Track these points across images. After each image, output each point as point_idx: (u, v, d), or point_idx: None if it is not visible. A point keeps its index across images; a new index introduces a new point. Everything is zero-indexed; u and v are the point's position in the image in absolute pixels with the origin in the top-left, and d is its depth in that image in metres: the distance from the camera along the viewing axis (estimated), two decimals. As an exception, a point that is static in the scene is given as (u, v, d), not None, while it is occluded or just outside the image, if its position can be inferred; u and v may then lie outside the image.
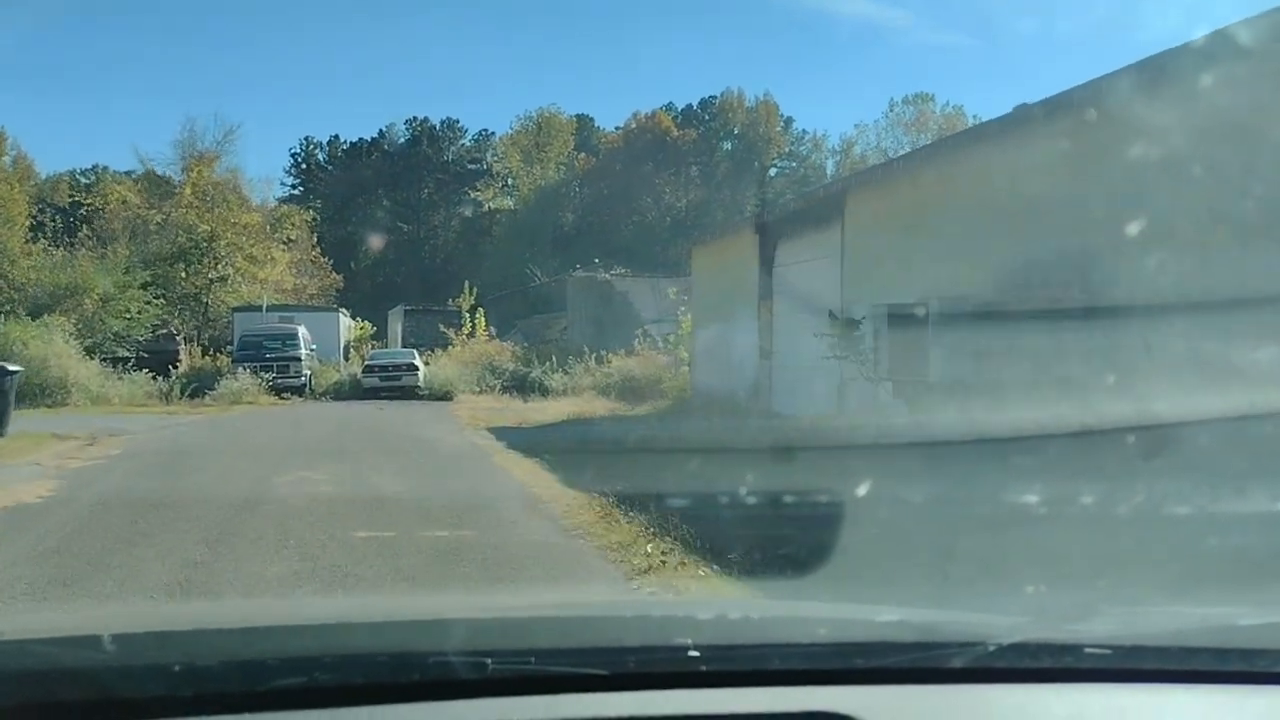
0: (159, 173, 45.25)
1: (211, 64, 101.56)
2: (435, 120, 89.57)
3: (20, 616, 5.75)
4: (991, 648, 1.88)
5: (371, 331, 47.30)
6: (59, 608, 6.84)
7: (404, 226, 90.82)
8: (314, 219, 63.45)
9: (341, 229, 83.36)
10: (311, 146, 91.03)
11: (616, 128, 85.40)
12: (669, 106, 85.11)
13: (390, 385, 34.14)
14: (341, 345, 41.89)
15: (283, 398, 31.89)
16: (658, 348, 34.88)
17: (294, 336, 34.56)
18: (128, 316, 34.37)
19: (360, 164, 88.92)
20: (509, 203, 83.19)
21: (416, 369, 34.57)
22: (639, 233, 77.34)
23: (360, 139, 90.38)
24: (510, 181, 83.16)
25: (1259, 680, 1.93)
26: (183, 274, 40.53)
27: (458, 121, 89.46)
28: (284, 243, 48.74)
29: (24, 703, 1.70)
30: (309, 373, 34.15)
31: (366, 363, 35.79)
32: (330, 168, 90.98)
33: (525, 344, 39.39)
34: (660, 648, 1.96)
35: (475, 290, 52.84)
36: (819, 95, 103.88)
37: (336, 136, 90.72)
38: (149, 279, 36.36)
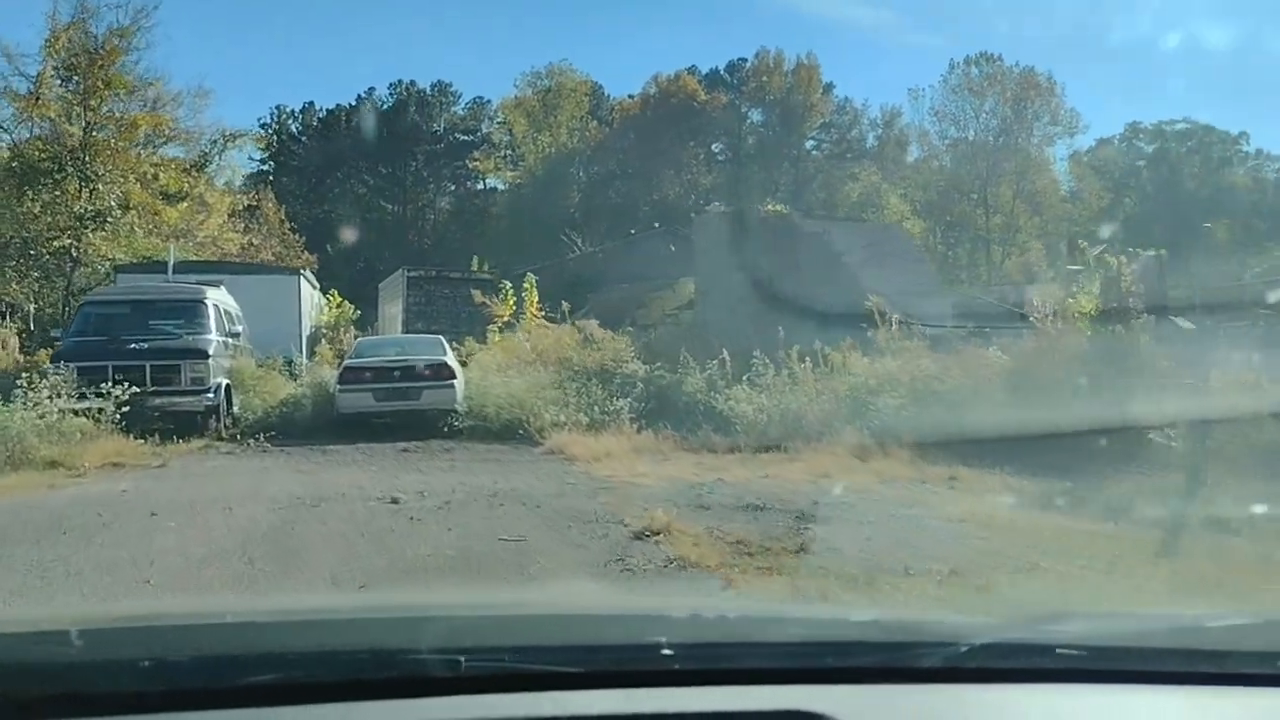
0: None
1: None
2: (424, 84, 69.71)
3: None
4: (964, 648, 1.69)
5: (353, 316, 27.39)
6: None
7: (388, 206, 71.50)
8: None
9: (317, 208, 64.08)
10: (283, 116, 70.72)
11: (631, 95, 66.22)
12: (693, 69, 66.06)
13: (396, 409, 14.79)
14: (304, 332, 22.35)
15: (162, 442, 12.65)
16: (923, 337, 15.96)
17: (194, 310, 14.94)
18: None
19: (338, 135, 69.02)
20: (513, 174, 63.60)
21: (449, 373, 15.32)
22: (657, 210, 58.48)
23: (338, 105, 70.34)
24: (516, 151, 63.43)
25: (1228, 682, 1.74)
26: (31, 206, 20.61)
27: (450, 85, 69.52)
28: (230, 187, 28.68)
29: None
30: (220, 383, 14.44)
31: (347, 362, 15.75)
32: (304, 139, 71.01)
33: (611, 329, 20.02)
34: (635, 646, 1.74)
35: (487, 265, 33.63)
36: (861, 58, 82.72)
37: (311, 104, 70.41)
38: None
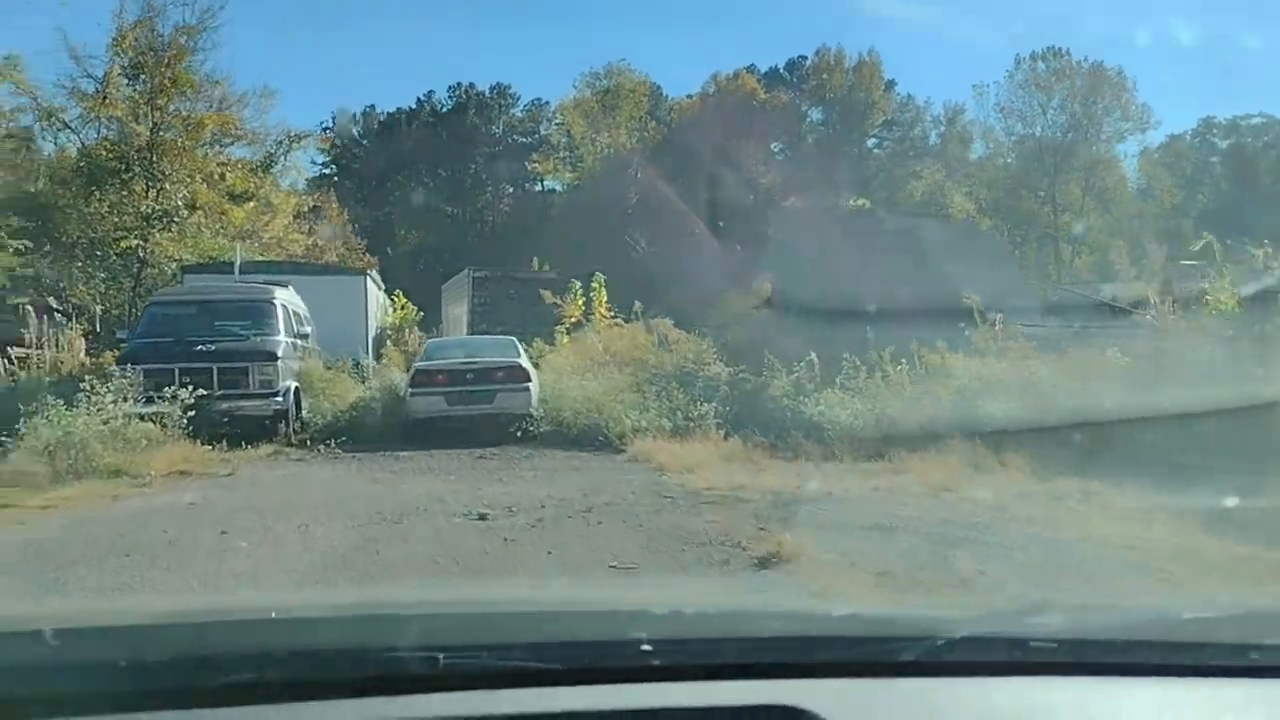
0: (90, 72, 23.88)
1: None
2: (483, 87, 69.38)
3: None
4: (942, 641, 1.69)
5: (417, 317, 26.74)
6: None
7: (447, 209, 71.31)
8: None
9: (378, 211, 64.12)
10: (345, 121, 70.68)
11: (690, 95, 65.24)
12: (752, 68, 64.95)
13: (469, 413, 14.04)
14: (370, 334, 21.77)
15: (230, 448, 12.02)
16: (1024, 336, 14.86)
17: (262, 310, 14.27)
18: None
19: (398, 138, 69.04)
20: (571, 175, 62.91)
21: (524, 376, 14.50)
22: (713, 212, 57.46)
23: (398, 109, 70.36)
24: (574, 152, 62.71)
25: (1203, 673, 1.75)
26: (98, 206, 20.21)
27: (509, 87, 69.13)
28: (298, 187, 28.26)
29: None
30: (289, 386, 13.72)
31: (417, 364, 14.95)
32: (364, 143, 71.09)
33: (684, 329, 19.08)
34: (614, 642, 1.72)
35: (547, 266, 32.91)
36: (923, 54, 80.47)
37: (372, 107, 70.52)
38: (6, 224, 16.46)
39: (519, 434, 13.87)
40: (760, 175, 62.33)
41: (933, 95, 70.45)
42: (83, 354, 14.96)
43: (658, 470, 10.90)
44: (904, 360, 13.73)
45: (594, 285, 22.21)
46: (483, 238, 67.88)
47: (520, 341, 17.54)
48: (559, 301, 20.85)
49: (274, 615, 2.10)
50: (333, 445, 12.67)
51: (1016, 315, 17.03)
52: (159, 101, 21.34)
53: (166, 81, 21.10)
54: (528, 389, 14.13)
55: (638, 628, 1.74)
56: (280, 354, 13.48)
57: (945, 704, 1.65)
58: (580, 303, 21.77)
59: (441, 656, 1.53)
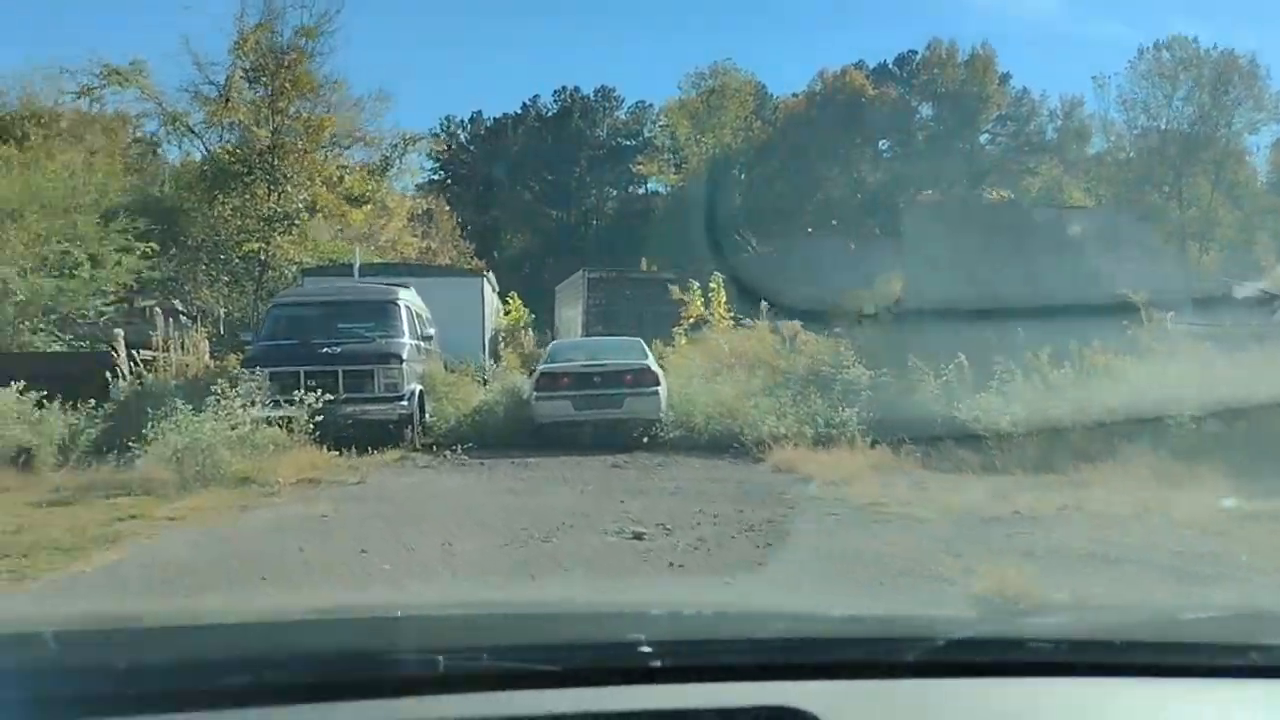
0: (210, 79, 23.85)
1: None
2: (587, 90, 69.18)
3: None
4: (941, 642, 1.67)
5: (528, 319, 26.24)
6: None
7: (552, 212, 71.41)
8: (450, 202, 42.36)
9: (484, 215, 64.35)
10: (453, 127, 71.32)
11: (795, 94, 63.96)
12: (860, 64, 63.45)
13: (597, 417, 13.34)
14: (486, 336, 21.31)
15: (355, 454, 11.57)
16: (1197, 335, 13.55)
17: (386, 311, 13.82)
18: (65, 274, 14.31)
19: (504, 143, 69.33)
20: (675, 177, 62.17)
21: (654, 378, 13.68)
22: (821, 211, 56.09)
23: (504, 114, 70.58)
24: (679, 153, 61.94)
25: (1201, 674, 1.73)
26: (221, 209, 20.18)
27: (613, 90, 68.81)
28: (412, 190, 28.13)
29: None
30: (414, 390, 13.22)
31: (542, 367, 14.22)
32: (471, 148, 71.55)
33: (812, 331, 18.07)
34: (613, 644, 1.71)
35: (655, 267, 32.25)
36: (1039, 47, 77.24)
37: (479, 113, 70.89)
38: (133, 227, 16.42)
39: (646, 439, 13.14)
40: (869, 173, 60.79)
41: (1049, 88, 67.89)
42: (207, 357, 14.71)
43: (804, 481, 10.02)
44: (1065, 361, 12.56)
45: (713, 285, 21.44)
46: (586, 240, 67.65)
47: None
48: (684, 299, 20.05)
49: (274, 618, 2.07)
50: (459, 451, 12.07)
51: (1173, 310, 15.67)
52: (280, 104, 21.24)
53: (287, 84, 21.03)
54: (657, 393, 13.37)
55: (637, 629, 1.72)
56: (405, 356, 12.97)
57: (945, 704, 1.63)
58: (699, 303, 21.02)
59: (442, 659, 1.51)
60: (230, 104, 21.43)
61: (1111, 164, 56.61)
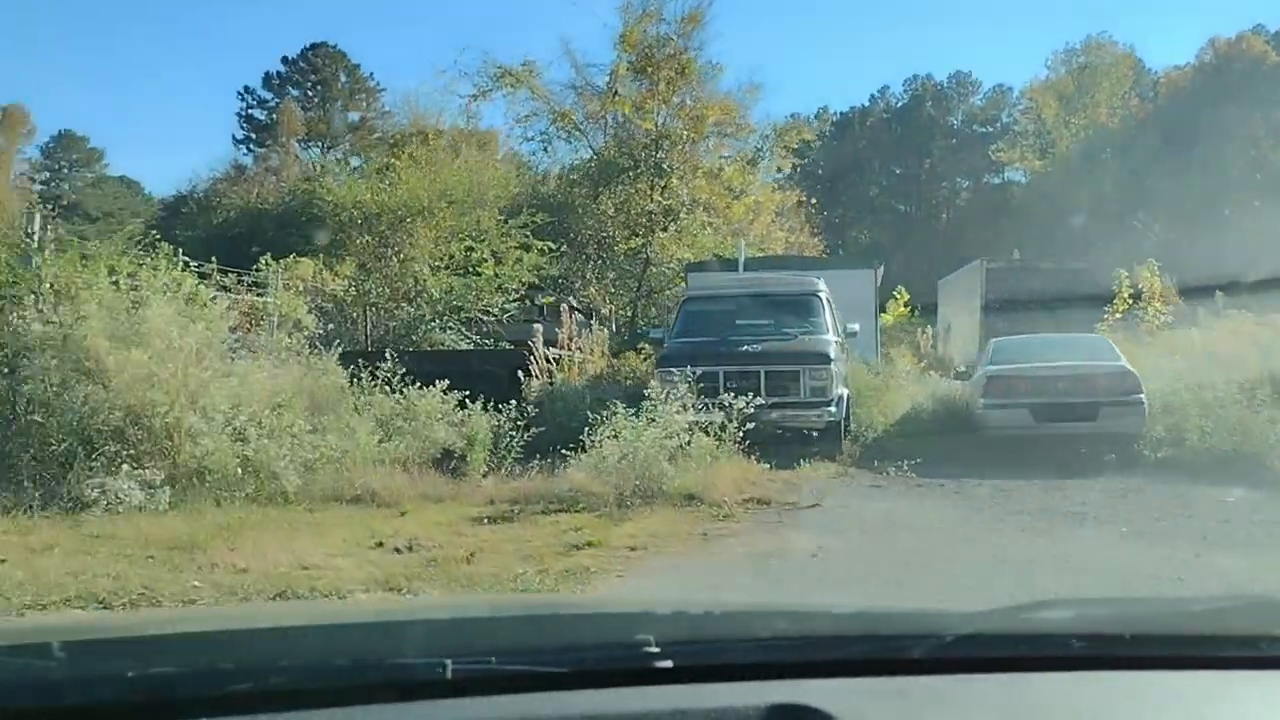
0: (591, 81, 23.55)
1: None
2: (940, 77, 65.18)
3: None
4: (949, 638, 1.61)
5: (916, 315, 23.89)
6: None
7: (899, 206, 68.16)
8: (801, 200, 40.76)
9: (831, 211, 62.31)
10: (799, 121, 69.83)
11: (1178, 66, 56.72)
12: (1259, 28, 55.38)
13: (1065, 431, 10.90)
14: (877, 332, 19.31)
15: (781, 465, 10.01)
16: None
17: (809, 305, 12.12)
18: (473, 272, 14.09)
19: (852, 136, 66.90)
20: (1039, 163, 56.91)
21: (1134, 384, 10.99)
22: (1202, 197, 48.73)
23: (851, 107, 68.16)
24: (1045, 137, 56.61)
25: (1215, 665, 1.63)
26: (606, 206, 19.63)
27: (969, 75, 64.36)
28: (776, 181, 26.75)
29: None
30: (841, 394, 11.37)
31: (990, 370, 11.83)
32: (817, 143, 69.78)
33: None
34: (620, 644, 1.62)
35: (1016, 254, 28.76)
36: None
37: (825, 108, 68.90)
38: (532, 222, 16.12)
39: (1115, 458, 10.62)
40: (1270, 151, 52.49)
41: None
42: (597, 358, 13.84)
43: None
44: None
45: (1145, 273, 18.24)
46: (934, 234, 63.81)
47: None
48: (1116, 289, 17.08)
49: (280, 624, 2.04)
50: (905, 468, 10.17)
51: None
52: (664, 93, 20.43)
53: (673, 73, 20.18)
54: (1142, 403, 10.78)
55: (644, 629, 1.63)
56: (833, 356, 11.28)
57: (954, 700, 1.54)
58: (1127, 294, 17.93)
59: (449, 662, 1.44)
60: (618, 97, 20.96)
61: None
